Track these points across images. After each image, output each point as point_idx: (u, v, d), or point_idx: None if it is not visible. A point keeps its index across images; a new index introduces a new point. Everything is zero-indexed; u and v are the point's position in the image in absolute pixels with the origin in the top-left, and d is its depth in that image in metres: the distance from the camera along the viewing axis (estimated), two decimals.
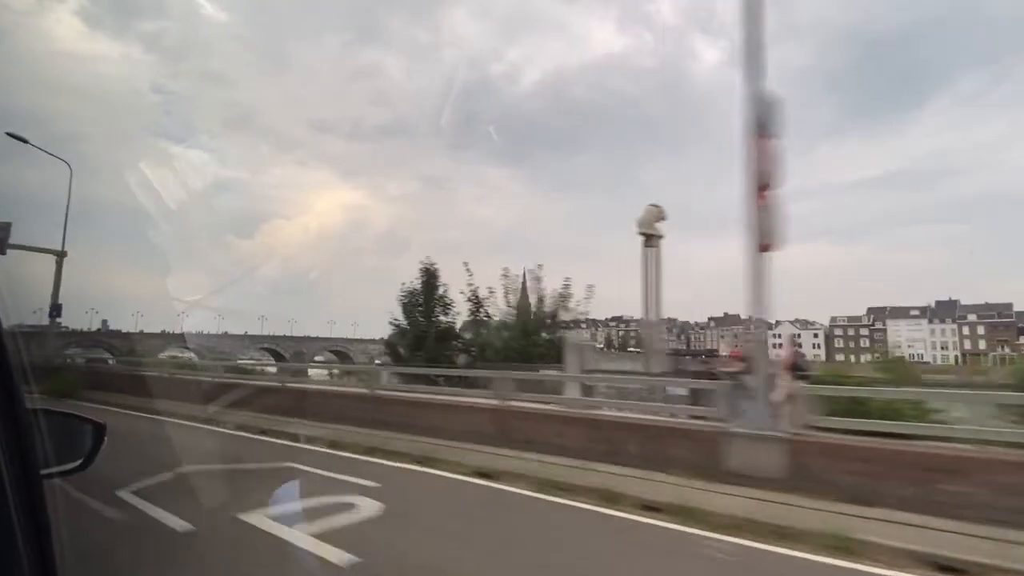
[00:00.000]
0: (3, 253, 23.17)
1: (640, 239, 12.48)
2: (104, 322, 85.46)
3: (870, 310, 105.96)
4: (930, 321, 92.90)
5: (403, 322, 19.09)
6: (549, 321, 17.85)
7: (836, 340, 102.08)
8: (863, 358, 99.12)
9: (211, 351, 70.61)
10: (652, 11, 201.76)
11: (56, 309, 21.43)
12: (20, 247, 24.59)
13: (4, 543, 0.89)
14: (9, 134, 21.25)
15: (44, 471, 1.08)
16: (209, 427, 11.54)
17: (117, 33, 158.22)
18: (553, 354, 15.62)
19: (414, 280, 18.78)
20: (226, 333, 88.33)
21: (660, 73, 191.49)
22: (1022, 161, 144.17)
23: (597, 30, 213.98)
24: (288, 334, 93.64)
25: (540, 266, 18.60)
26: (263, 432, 10.86)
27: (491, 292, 17.91)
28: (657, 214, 12.17)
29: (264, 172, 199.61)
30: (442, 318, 18.97)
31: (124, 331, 79.27)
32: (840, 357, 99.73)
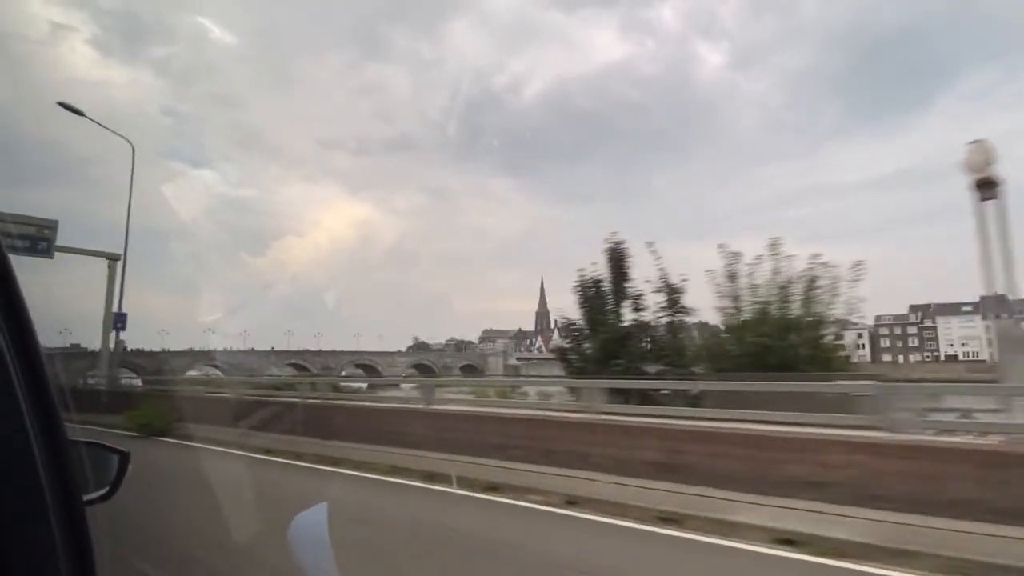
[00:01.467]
0: (50, 256, 21.35)
1: (969, 193, 7.80)
2: (121, 342, 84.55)
3: (913, 307, 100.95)
4: (984, 317, 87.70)
5: (575, 321, 14.84)
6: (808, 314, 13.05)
7: (882, 340, 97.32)
8: (912, 358, 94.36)
9: (238, 368, 69.41)
10: (653, 17, 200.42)
11: (121, 320, 19.17)
12: (70, 250, 22.85)
13: (48, 570, 0.91)
14: (62, 104, 19.54)
15: (85, 498, 1.15)
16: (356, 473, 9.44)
17: (128, 59, 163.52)
18: (819, 358, 12.38)
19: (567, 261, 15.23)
20: (252, 349, 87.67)
21: (663, 79, 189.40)
22: None
23: (598, 38, 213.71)
24: (314, 348, 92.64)
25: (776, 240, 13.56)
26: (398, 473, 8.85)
27: (683, 280, 13.83)
28: (987, 152, 7.81)
29: (274, 190, 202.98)
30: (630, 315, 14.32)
31: (147, 350, 78.56)
32: (887, 358, 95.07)
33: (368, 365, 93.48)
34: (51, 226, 21.94)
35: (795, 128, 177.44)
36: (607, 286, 14.25)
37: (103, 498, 1.50)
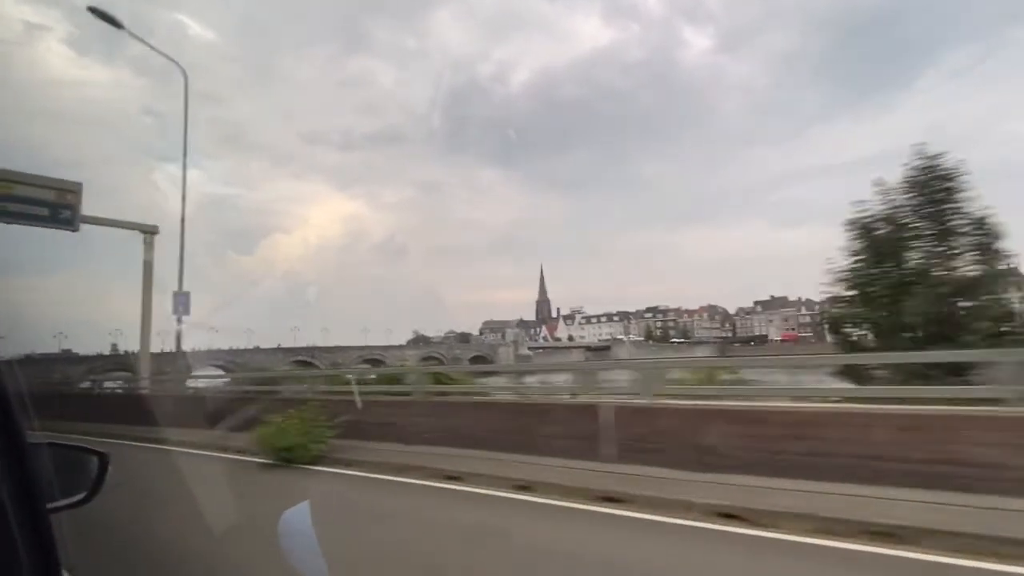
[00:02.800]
0: (74, 228, 17.13)
1: None
2: (114, 346, 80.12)
3: None
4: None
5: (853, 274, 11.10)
6: None
7: None
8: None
9: (244, 367, 64.92)
10: (637, 2, 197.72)
11: (184, 302, 14.82)
12: (100, 221, 18.62)
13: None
14: (93, 10, 15.53)
15: (51, 505, 1.14)
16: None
17: (106, 59, 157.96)
18: None
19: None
20: (257, 347, 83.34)
21: (649, 64, 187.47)
22: (1015, 132, 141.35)
23: (583, 25, 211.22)
24: (321, 344, 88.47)
25: None
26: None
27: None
28: None
29: (260, 187, 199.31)
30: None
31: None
32: None
33: (377, 360, 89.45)
34: (74, 189, 17.64)
35: (783, 110, 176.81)
36: (913, 222, 10.67)
37: (82, 502, 1.45)
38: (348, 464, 8.18)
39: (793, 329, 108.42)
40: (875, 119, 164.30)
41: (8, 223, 16.52)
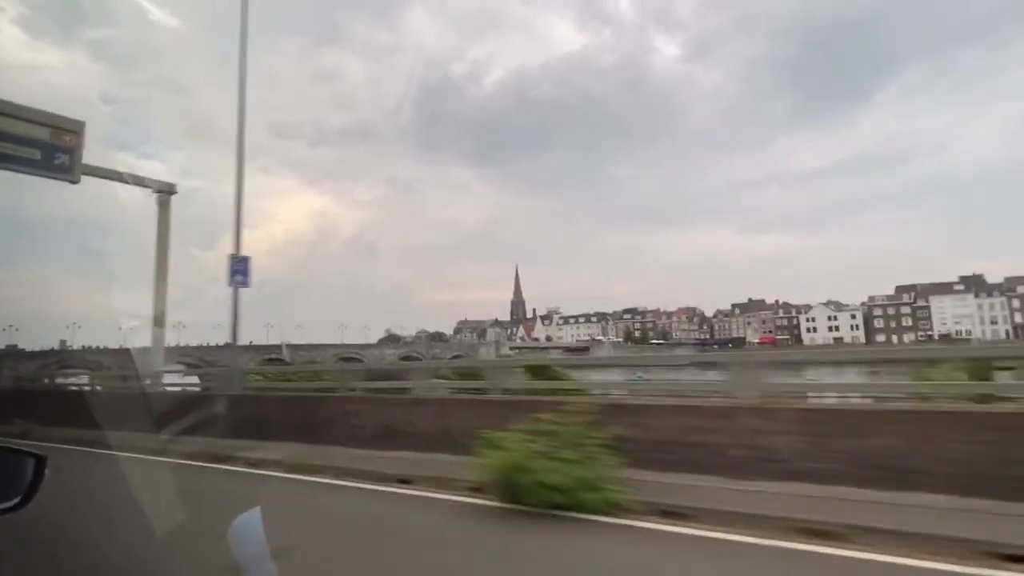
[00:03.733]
0: (74, 179, 13.64)
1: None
2: (63, 342, 73.57)
3: (899, 288, 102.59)
4: (976, 296, 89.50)
5: None
6: None
7: (876, 321, 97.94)
8: (906, 338, 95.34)
9: (212, 364, 60.01)
10: (611, 8, 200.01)
11: (242, 268, 10.94)
12: (106, 173, 15.14)
13: None
14: None
15: None
16: None
17: (62, 42, 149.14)
18: None
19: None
20: (228, 343, 77.35)
21: (622, 68, 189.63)
22: (969, 144, 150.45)
23: (558, 28, 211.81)
24: (295, 342, 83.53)
25: None
26: None
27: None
28: None
29: (225, 181, 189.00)
30: None
31: (102, 348, 67.06)
32: (881, 338, 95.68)
33: (354, 358, 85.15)
34: (74, 129, 14.16)
35: (750, 118, 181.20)
36: None
37: (16, 507, 1.40)
38: (675, 515, 4.66)
39: (770, 332, 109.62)
40: (838, 129, 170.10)
41: None
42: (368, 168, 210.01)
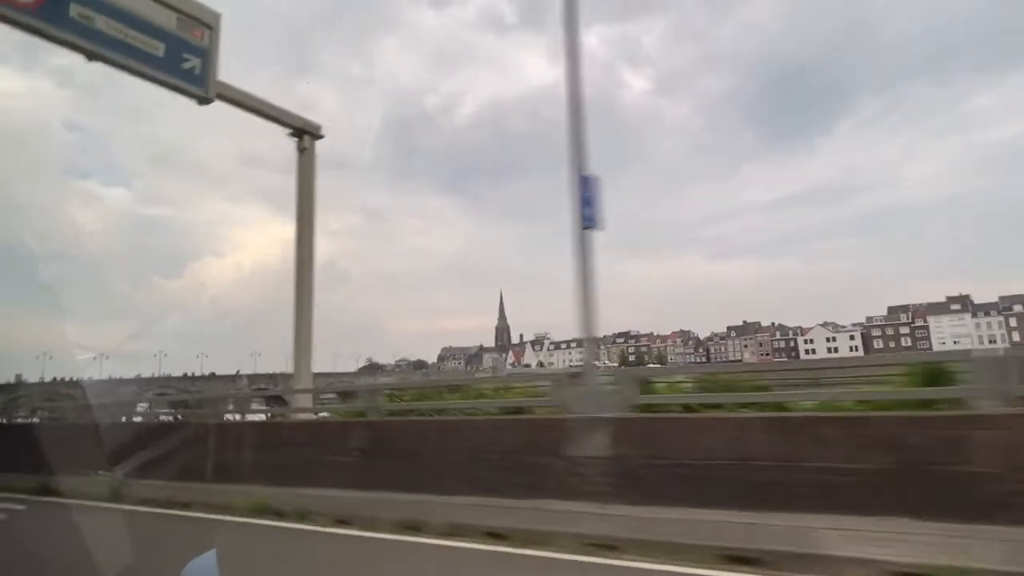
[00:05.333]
0: (205, 93, 9.48)
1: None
2: (18, 376, 65.50)
3: (891, 309, 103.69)
4: (974, 315, 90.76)
5: None
6: None
7: (875, 341, 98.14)
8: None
9: (196, 395, 53.17)
10: (581, 43, 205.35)
11: (591, 185, 6.37)
12: (236, 94, 10.52)
13: None
14: None
15: None
16: None
17: (24, 68, 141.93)
18: None
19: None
20: (213, 374, 69.88)
21: (592, 101, 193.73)
22: (920, 176, 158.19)
23: (529, 62, 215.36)
24: (282, 371, 76.44)
25: None
26: None
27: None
28: None
29: (192, 209, 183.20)
30: None
31: (75, 378, 58.86)
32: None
33: (348, 392, 78.41)
34: (209, 23, 9.64)
35: (716, 150, 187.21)
36: None
37: None
38: None
39: (767, 354, 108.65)
40: (799, 161, 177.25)
41: (100, 56, 8.34)
42: (340, 197, 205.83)
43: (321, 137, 11.54)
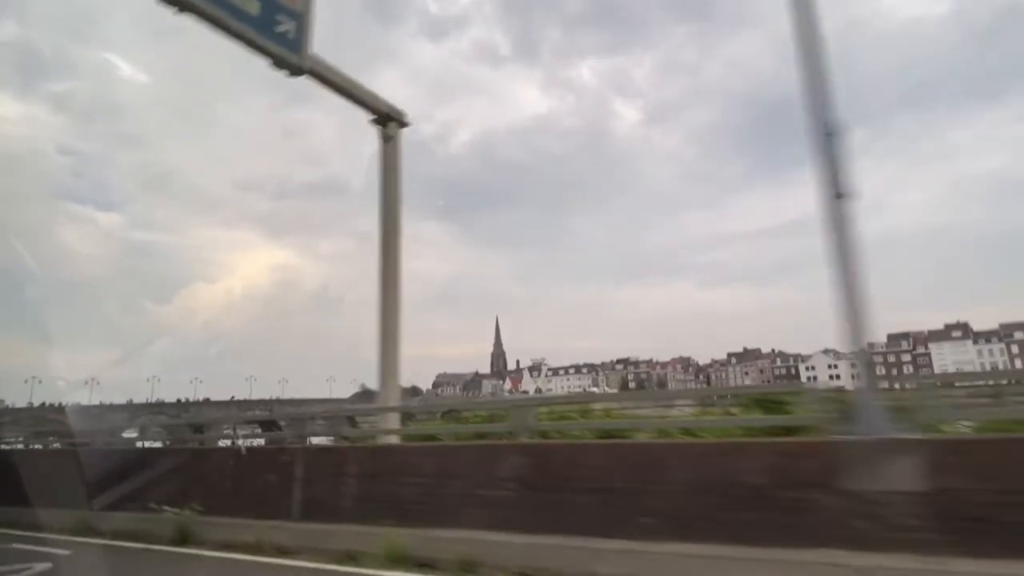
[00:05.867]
0: (299, 65, 8.19)
1: None
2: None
3: (891, 337, 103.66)
4: (975, 342, 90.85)
5: None
6: None
7: (878, 368, 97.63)
8: (909, 385, 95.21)
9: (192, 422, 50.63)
10: (573, 76, 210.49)
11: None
12: (327, 71, 9.27)
13: None
14: None
15: None
16: None
17: (20, 93, 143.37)
18: None
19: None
20: (208, 399, 66.98)
21: (584, 132, 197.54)
22: (902, 205, 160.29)
23: (523, 93, 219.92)
24: (280, 396, 73.57)
25: None
26: None
27: None
28: None
29: (185, 234, 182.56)
30: None
31: (57, 403, 55.80)
32: (884, 385, 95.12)
33: (348, 416, 75.72)
34: None
35: (706, 179, 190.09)
36: None
37: None
38: None
39: (768, 381, 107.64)
40: (787, 191, 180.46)
41: (192, 7, 7.07)
42: (334, 222, 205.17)
43: (407, 125, 10.28)
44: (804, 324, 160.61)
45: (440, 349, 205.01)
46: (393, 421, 9.63)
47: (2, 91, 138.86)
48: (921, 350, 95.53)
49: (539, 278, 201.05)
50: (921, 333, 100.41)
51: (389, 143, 10.01)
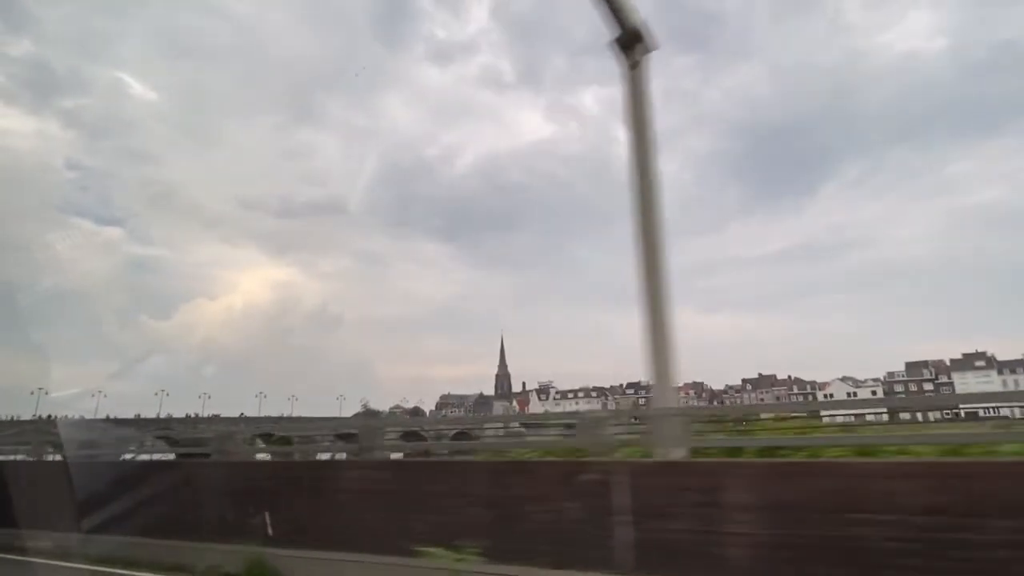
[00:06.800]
0: None
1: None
2: None
3: (909, 365, 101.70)
4: (999, 372, 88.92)
5: None
6: None
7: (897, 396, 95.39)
8: (931, 416, 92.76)
9: (198, 440, 47.96)
10: (575, 102, 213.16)
11: None
12: None
13: None
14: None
15: None
16: None
17: (32, 109, 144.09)
18: None
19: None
20: (217, 415, 64.27)
21: (587, 156, 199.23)
22: (901, 236, 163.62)
23: (527, 118, 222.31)
24: (289, 414, 70.91)
25: None
26: None
27: None
28: None
29: (187, 250, 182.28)
30: None
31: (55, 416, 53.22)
32: (905, 416, 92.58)
33: (353, 434, 72.84)
34: None
35: (705, 205, 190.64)
36: None
37: None
38: None
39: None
40: (785, 219, 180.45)
41: None
42: (336, 241, 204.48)
43: (652, 50, 8.40)
44: (813, 350, 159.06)
45: (441, 370, 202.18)
46: (672, 427, 7.42)
47: (16, 106, 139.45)
48: (944, 379, 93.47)
49: (540, 301, 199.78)
50: (941, 362, 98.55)
51: (636, 70, 8.16)
